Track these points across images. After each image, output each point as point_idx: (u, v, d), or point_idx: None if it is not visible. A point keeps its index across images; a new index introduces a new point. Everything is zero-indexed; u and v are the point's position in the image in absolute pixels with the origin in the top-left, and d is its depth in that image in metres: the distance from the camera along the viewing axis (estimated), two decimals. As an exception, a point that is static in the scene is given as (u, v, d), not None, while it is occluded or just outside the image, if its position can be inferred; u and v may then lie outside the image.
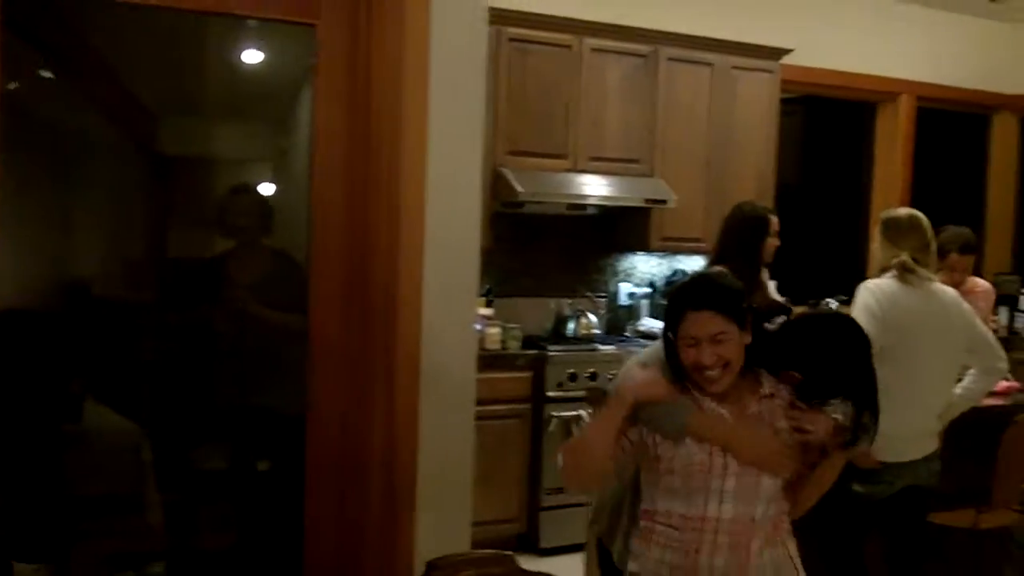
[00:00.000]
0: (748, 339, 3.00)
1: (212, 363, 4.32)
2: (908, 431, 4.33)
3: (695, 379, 2.97)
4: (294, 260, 3.99)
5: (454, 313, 3.67)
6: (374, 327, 3.51)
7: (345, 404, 3.54)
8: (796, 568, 3.00)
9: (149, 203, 4.41)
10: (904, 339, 4.33)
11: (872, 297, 4.36)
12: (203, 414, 4.27)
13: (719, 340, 2.92)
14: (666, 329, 3.04)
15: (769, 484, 2.94)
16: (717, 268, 5.47)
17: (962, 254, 5.48)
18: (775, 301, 4.14)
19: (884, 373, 4.29)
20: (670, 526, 2.95)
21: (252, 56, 4.42)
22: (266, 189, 4.54)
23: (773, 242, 5.47)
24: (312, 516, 3.55)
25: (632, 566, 3.02)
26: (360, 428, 3.52)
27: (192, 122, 4.40)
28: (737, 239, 5.47)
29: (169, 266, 4.44)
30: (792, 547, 3.00)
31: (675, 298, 3.04)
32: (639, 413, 2.98)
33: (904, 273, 4.39)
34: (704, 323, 2.92)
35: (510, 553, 2.35)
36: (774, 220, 5.48)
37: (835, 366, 3.18)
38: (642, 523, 3.03)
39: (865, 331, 4.17)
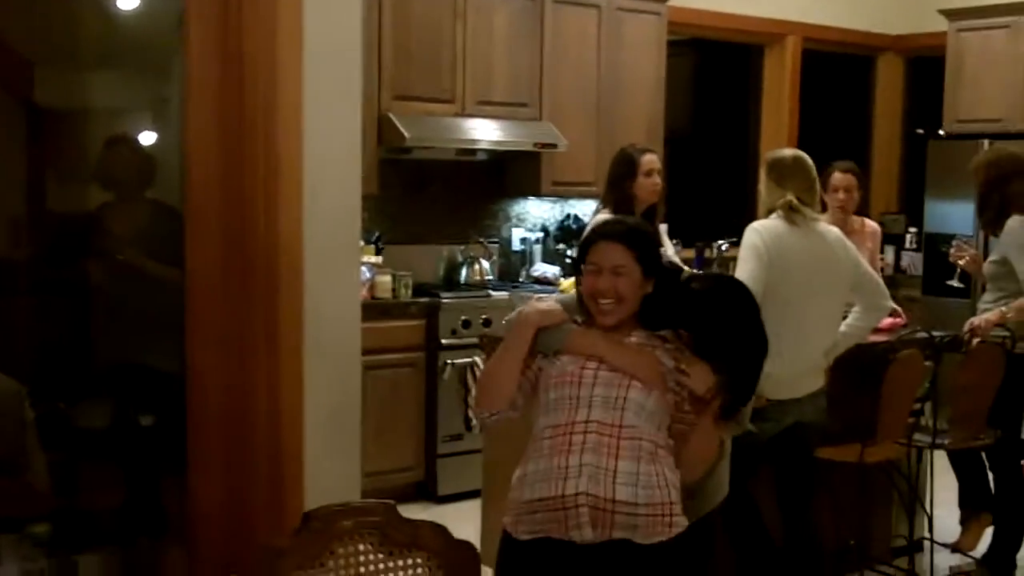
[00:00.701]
0: (648, 288, 3.12)
1: (93, 319, 4.23)
2: (795, 369, 4.39)
3: (591, 309, 3.12)
4: (176, 212, 3.90)
5: (337, 261, 3.62)
6: (254, 278, 3.44)
7: (226, 357, 3.47)
8: (668, 491, 2.97)
9: (26, 156, 4.29)
10: (790, 279, 4.38)
11: (759, 238, 4.40)
12: (84, 371, 4.19)
13: (619, 273, 3.06)
14: (577, 260, 3.21)
15: (637, 396, 2.98)
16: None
17: (844, 173, 5.53)
18: (671, 262, 4.20)
19: (770, 312, 4.37)
20: (544, 439, 2.99)
21: (128, 2, 4.31)
22: (146, 140, 4.44)
23: (649, 181, 5.48)
24: (196, 471, 3.49)
25: (513, 494, 3.05)
26: (243, 381, 3.46)
27: (69, 72, 4.28)
28: (611, 179, 5.51)
29: (48, 220, 4.33)
30: (671, 475, 3.00)
31: (592, 230, 3.25)
32: (536, 340, 3.10)
33: (790, 213, 4.43)
34: (609, 253, 3.08)
35: (391, 502, 2.33)
36: (645, 159, 5.49)
37: (722, 331, 3.26)
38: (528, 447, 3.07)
39: (753, 281, 4.26)
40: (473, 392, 6.48)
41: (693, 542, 3.10)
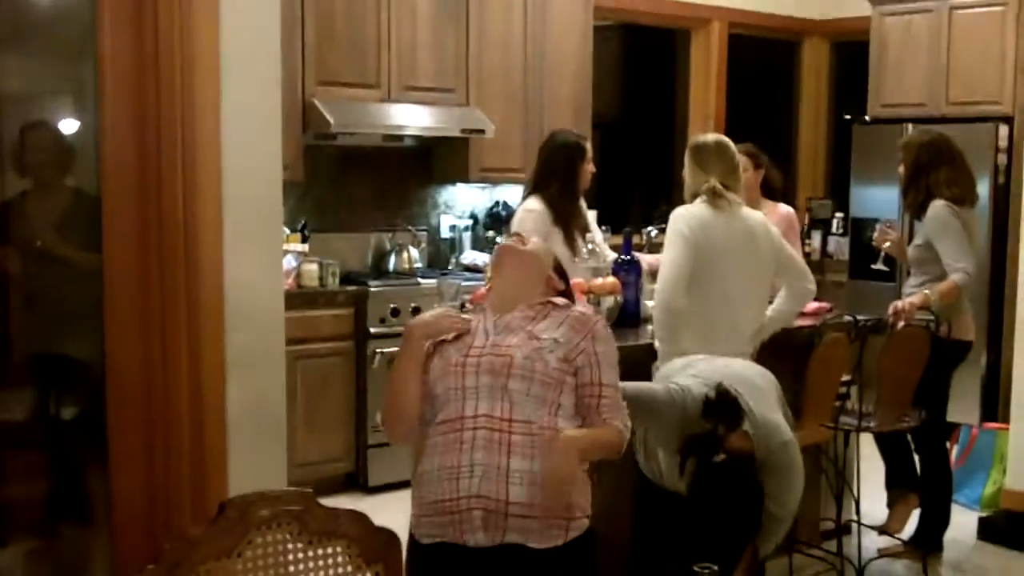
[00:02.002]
0: (558, 284, 3.30)
1: (10, 308, 4.14)
2: (720, 353, 4.40)
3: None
4: (96, 199, 3.82)
5: (259, 248, 3.56)
6: (174, 265, 3.38)
7: (146, 346, 3.41)
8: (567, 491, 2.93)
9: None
10: (715, 263, 4.40)
11: (684, 223, 4.41)
12: (2, 362, 4.11)
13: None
14: None
15: (519, 386, 2.96)
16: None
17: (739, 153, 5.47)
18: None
19: (698, 296, 4.39)
20: (437, 436, 2.97)
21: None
22: (65, 125, 4.35)
23: (589, 168, 5.51)
24: (118, 462, 3.43)
25: (414, 492, 3.05)
26: (164, 370, 3.40)
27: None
28: (552, 166, 5.49)
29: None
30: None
31: None
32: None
33: (713, 198, 4.45)
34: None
35: (308, 490, 2.29)
36: (588, 147, 5.52)
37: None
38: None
39: (678, 267, 4.29)
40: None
41: (589, 547, 3.04)
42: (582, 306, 3.19)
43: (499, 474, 2.83)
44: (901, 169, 5.52)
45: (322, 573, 2.25)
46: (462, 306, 5.15)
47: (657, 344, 4.45)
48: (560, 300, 3.27)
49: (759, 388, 3.89)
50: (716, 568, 2.00)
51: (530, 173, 5.95)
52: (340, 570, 2.27)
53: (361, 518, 2.34)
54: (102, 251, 3.41)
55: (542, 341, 3.08)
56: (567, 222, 5.42)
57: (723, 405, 3.69)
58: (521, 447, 2.87)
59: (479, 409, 2.93)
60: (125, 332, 3.41)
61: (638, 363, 4.57)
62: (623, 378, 3.39)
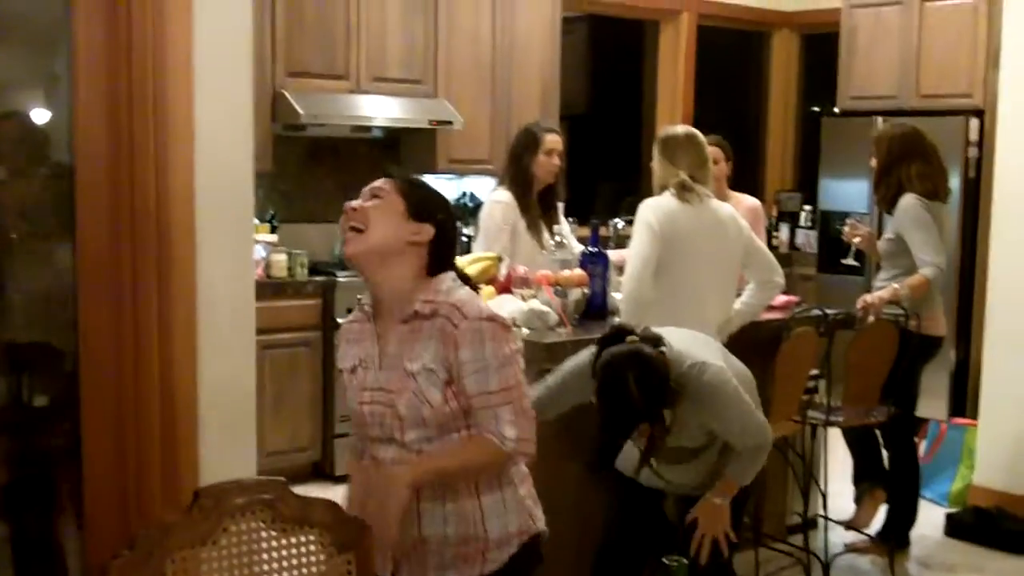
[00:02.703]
0: (420, 236, 2.74)
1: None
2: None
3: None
4: (69, 186, 3.82)
5: (229, 237, 3.57)
6: (146, 255, 3.38)
7: (118, 334, 3.41)
8: (480, 526, 2.76)
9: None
10: (682, 255, 4.41)
11: (652, 215, 4.42)
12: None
13: (376, 195, 2.75)
14: None
15: (416, 435, 2.72)
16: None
17: (709, 145, 5.36)
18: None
19: (664, 288, 4.39)
20: (355, 476, 2.90)
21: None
22: (38, 115, 4.34)
23: (548, 161, 5.47)
24: (90, 449, 3.44)
25: None
26: (135, 359, 3.40)
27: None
28: (512, 157, 5.50)
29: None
30: (487, 501, 2.79)
31: None
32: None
33: (682, 192, 4.45)
34: (374, 183, 2.84)
35: (282, 479, 2.29)
36: (548, 138, 5.48)
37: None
38: None
39: (644, 260, 4.29)
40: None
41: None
42: (449, 298, 2.71)
43: (411, 517, 2.65)
44: (873, 162, 5.53)
45: (295, 561, 2.27)
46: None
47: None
48: (423, 304, 2.72)
49: (694, 338, 3.87)
50: (685, 560, 2.00)
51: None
52: (313, 558, 2.28)
53: (333, 507, 2.35)
54: (74, 240, 3.40)
55: (417, 377, 2.67)
56: (529, 213, 5.43)
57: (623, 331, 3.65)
58: (429, 490, 2.69)
59: (387, 453, 2.73)
60: (98, 320, 3.40)
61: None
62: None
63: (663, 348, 3.57)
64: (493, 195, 5.54)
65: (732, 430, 3.70)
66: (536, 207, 5.51)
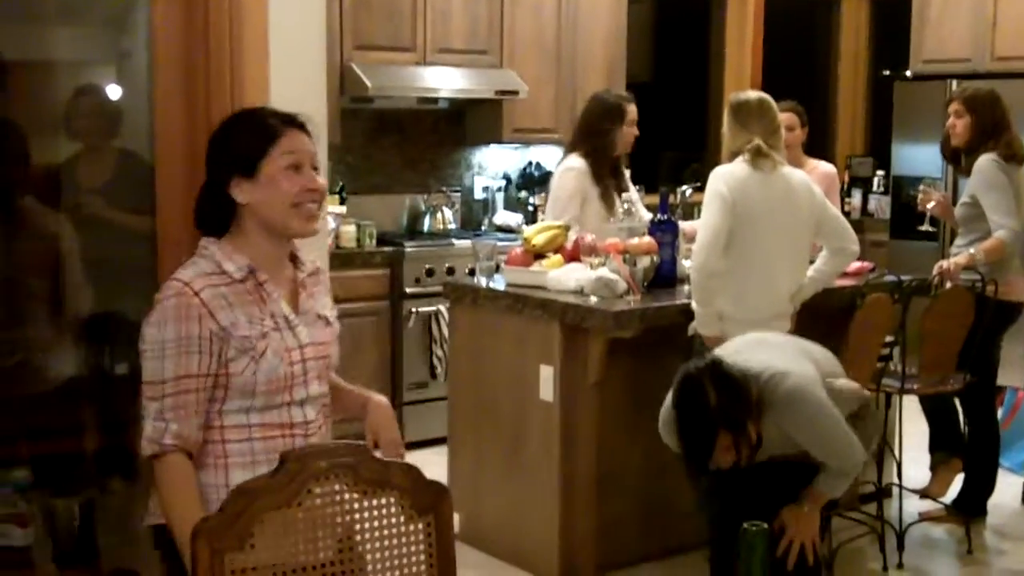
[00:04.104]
0: None
1: (64, 270, 4.19)
2: (760, 314, 4.40)
3: (291, 217, 2.56)
4: (143, 160, 3.87)
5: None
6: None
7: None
8: None
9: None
10: (754, 223, 4.39)
11: (723, 184, 4.39)
12: (55, 322, 4.16)
13: (317, 167, 2.63)
14: (229, 169, 2.56)
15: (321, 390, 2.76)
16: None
17: (784, 112, 5.19)
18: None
19: (736, 257, 4.37)
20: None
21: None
22: (112, 91, 4.40)
23: (630, 131, 5.49)
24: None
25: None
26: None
27: (32, 26, 4.21)
28: (590, 126, 5.47)
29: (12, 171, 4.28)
30: None
31: (254, 121, 2.62)
32: None
33: (756, 158, 4.41)
34: (305, 143, 2.59)
35: (363, 443, 2.31)
36: (631, 109, 5.48)
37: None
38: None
39: (715, 230, 4.27)
40: (439, 340, 6.48)
41: None
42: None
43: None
44: (957, 123, 5.40)
45: (376, 523, 2.28)
46: (497, 267, 5.17)
47: (694, 305, 4.45)
48: (310, 262, 2.79)
49: (767, 345, 3.87)
50: (765, 526, 1.98)
51: (570, 132, 5.96)
52: (393, 520, 2.30)
53: (412, 470, 2.36)
54: (154, 215, 3.46)
55: (334, 325, 2.83)
56: (603, 182, 5.42)
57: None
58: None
59: (301, 415, 2.66)
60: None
61: (673, 324, 4.58)
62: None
63: (739, 363, 3.58)
64: (566, 162, 5.53)
65: (817, 445, 3.69)
66: (620, 176, 5.51)
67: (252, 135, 2.56)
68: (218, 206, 2.59)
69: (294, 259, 2.71)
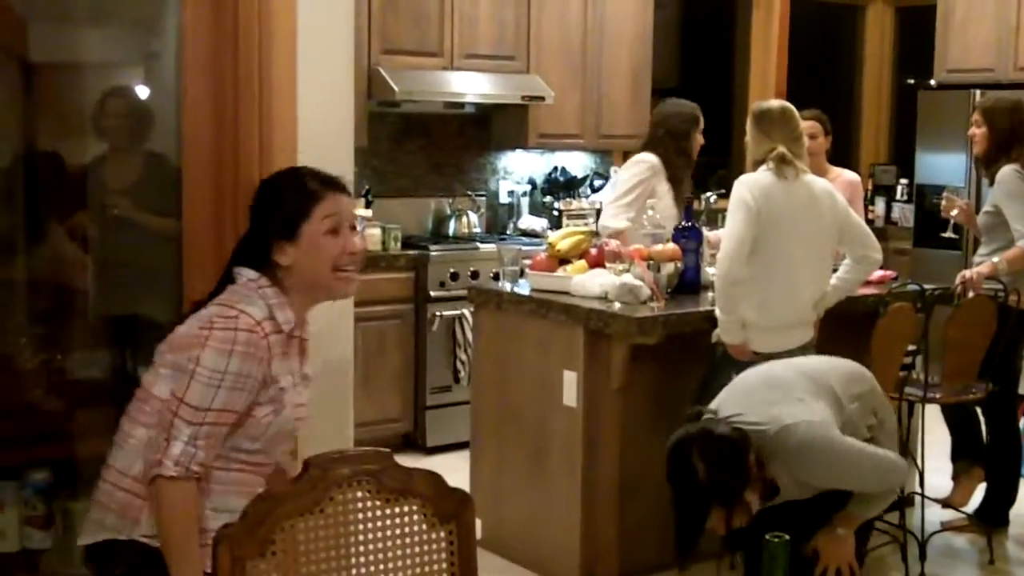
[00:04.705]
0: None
1: (88, 271, 4.22)
2: (781, 322, 4.41)
3: (331, 281, 2.67)
4: (170, 162, 3.89)
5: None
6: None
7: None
8: None
9: (20, 111, 4.26)
10: (778, 232, 4.39)
11: (748, 192, 4.40)
12: (79, 323, 4.18)
13: (355, 229, 2.71)
14: (285, 217, 2.64)
15: None
16: None
17: (807, 120, 5.14)
18: None
19: (759, 264, 4.37)
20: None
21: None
22: (140, 92, 4.43)
23: (699, 138, 5.53)
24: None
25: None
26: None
27: (62, 27, 4.24)
28: (670, 128, 5.51)
29: (39, 171, 4.30)
30: None
31: (295, 184, 2.69)
32: None
33: (779, 166, 4.42)
34: (347, 204, 2.69)
35: (387, 450, 2.33)
36: (701, 118, 5.55)
37: None
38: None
39: (739, 239, 4.26)
40: (462, 345, 6.49)
41: None
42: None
43: None
44: (977, 132, 5.39)
45: (398, 530, 2.29)
46: (521, 272, 5.19)
47: (718, 313, 4.45)
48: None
49: (774, 385, 3.67)
50: (787, 537, 1.99)
51: (595, 138, 5.99)
52: (415, 527, 2.31)
53: (435, 478, 2.37)
54: (181, 218, 3.48)
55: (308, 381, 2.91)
56: (680, 183, 5.45)
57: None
58: None
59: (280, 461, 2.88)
60: (202, 295, 3.46)
61: (697, 331, 4.59)
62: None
63: (735, 422, 3.45)
64: (638, 155, 5.62)
65: (843, 484, 3.60)
66: (689, 180, 5.58)
67: (294, 198, 2.63)
68: (259, 263, 2.66)
69: None
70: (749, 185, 4.42)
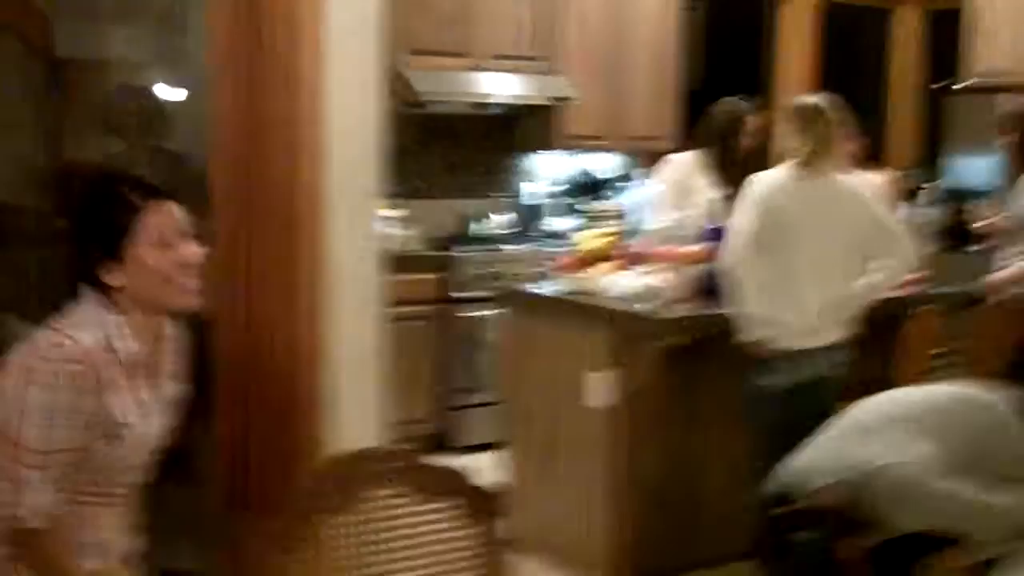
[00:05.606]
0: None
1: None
2: (797, 319, 4.37)
3: (167, 292, 2.37)
4: (182, 157, 3.92)
5: (357, 213, 3.64)
6: (276, 229, 3.47)
7: (248, 307, 3.50)
8: None
9: (45, 107, 4.29)
10: (785, 227, 4.36)
11: (757, 188, 4.41)
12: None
13: (188, 236, 2.40)
14: (102, 247, 2.33)
15: None
16: None
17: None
18: None
19: (766, 259, 4.37)
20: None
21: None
22: (159, 90, 4.44)
23: (745, 140, 5.51)
24: (223, 415, 3.56)
25: None
26: (265, 330, 3.49)
27: (86, 25, 4.27)
28: (711, 128, 5.50)
29: (64, 168, 4.33)
30: None
31: (112, 197, 2.36)
32: None
33: (797, 164, 4.40)
34: (172, 213, 2.36)
35: (412, 448, 2.34)
36: (750, 119, 5.51)
37: None
38: None
39: (741, 231, 4.26)
40: (488, 346, 6.50)
41: None
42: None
43: None
44: (1005, 138, 5.38)
45: (430, 527, 2.31)
46: (546, 273, 5.20)
47: (730, 308, 4.48)
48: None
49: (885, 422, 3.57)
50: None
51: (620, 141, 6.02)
52: (448, 525, 2.33)
53: (466, 477, 2.39)
54: (206, 215, 3.51)
55: (171, 404, 2.60)
56: (728, 183, 5.43)
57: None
58: None
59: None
60: (229, 292, 3.49)
61: (723, 332, 4.58)
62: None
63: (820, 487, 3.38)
64: (668, 157, 5.65)
65: (949, 527, 3.44)
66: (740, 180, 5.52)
67: (111, 213, 2.32)
68: (91, 284, 2.36)
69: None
70: (758, 181, 4.42)
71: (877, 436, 3.45)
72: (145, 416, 2.44)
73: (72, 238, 2.37)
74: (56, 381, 2.25)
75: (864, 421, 3.57)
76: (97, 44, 4.32)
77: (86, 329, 2.31)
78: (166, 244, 2.32)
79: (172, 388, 2.56)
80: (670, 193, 5.42)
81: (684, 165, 5.48)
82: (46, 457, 2.27)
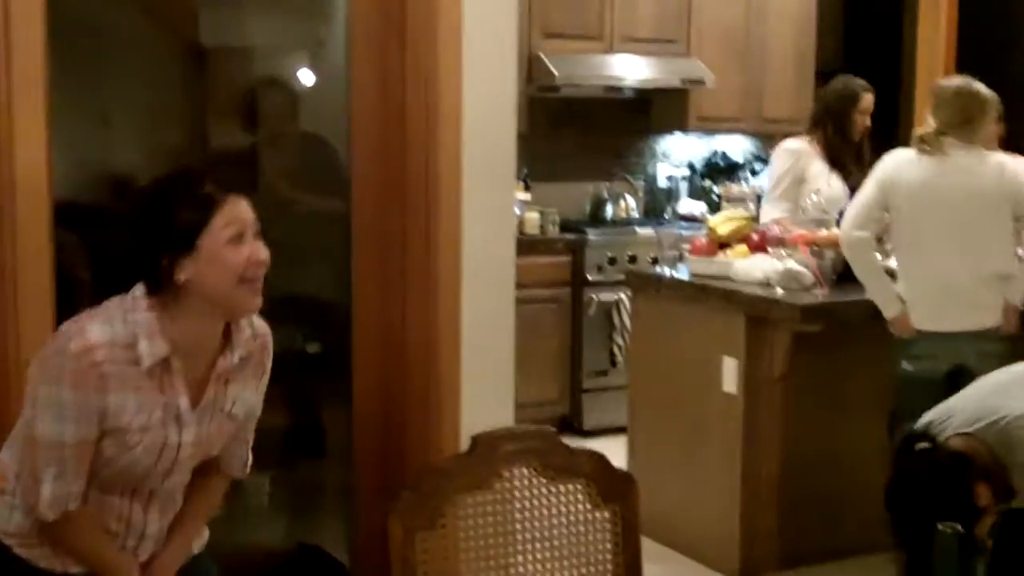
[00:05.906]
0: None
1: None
2: (927, 297, 4.32)
3: (238, 295, 2.32)
4: (330, 144, 3.97)
5: (493, 196, 3.65)
6: (415, 215, 3.52)
7: (386, 289, 3.56)
8: None
9: (189, 95, 4.38)
10: (908, 206, 4.32)
11: (882, 164, 4.43)
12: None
13: (258, 236, 2.34)
14: (163, 246, 2.27)
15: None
16: None
17: None
18: None
19: (895, 241, 4.38)
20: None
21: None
22: (304, 77, 4.52)
23: (861, 119, 5.41)
24: (360, 397, 3.62)
25: None
26: (402, 312, 3.55)
27: (230, 12, 4.35)
28: (824, 109, 5.43)
29: (210, 157, 4.42)
30: None
31: (189, 191, 2.31)
32: None
33: (922, 144, 4.34)
34: (246, 209, 2.31)
35: (552, 429, 2.35)
36: (866, 97, 5.41)
37: None
38: None
39: (858, 205, 4.21)
40: (619, 329, 6.49)
41: None
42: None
43: None
44: None
45: (564, 508, 2.33)
46: (680, 256, 5.16)
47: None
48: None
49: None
50: (960, 528, 1.94)
51: (756, 122, 5.95)
52: (580, 506, 2.34)
53: (600, 458, 2.40)
54: (349, 201, 3.57)
55: (235, 417, 2.49)
56: (844, 164, 5.35)
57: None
58: None
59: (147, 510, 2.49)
60: (369, 275, 3.56)
61: (861, 319, 4.51)
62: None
63: (955, 431, 3.17)
64: (784, 143, 5.55)
65: None
66: (854, 162, 5.41)
67: (189, 206, 2.27)
68: (151, 278, 2.30)
69: (229, 336, 2.41)
70: (887, 159, 4.44)
71: (1017, 390, 3.29)
72: (170, 424, 2.34)
73: (140, 230, 2.32)
74: (60, 375, 2.23)
75: (1004, 380, 3.43)
76: (241, 33, 4.39)
77: (105, 324, 2.26)
78: (240, 240, 2.27)
79: (232, 399, 2.45)
80: (784, 183, 5.33)
81: (798, 152, 5.38)
82: (60, 451, 2.25)
